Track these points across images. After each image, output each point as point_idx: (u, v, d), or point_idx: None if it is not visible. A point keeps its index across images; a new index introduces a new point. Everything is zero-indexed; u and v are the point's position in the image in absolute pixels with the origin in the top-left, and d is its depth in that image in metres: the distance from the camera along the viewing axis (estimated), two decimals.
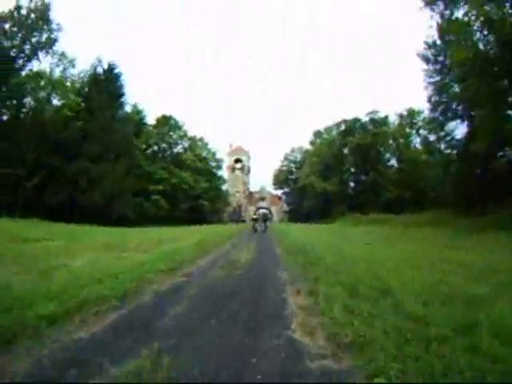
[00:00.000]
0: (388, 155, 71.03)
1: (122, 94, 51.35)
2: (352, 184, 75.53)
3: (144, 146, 64.16)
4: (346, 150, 72.53)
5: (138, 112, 63.90)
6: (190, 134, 77.32)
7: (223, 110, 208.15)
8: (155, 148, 69.03)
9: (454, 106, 38.37)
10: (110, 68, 49.63)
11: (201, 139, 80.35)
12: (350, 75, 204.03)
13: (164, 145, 70.96)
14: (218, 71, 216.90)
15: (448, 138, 41.76)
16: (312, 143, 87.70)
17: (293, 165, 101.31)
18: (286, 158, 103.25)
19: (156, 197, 57.75)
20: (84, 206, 40.01)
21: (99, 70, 49.05)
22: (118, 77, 50.46)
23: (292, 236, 23.41)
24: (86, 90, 46.81)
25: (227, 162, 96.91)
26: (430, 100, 41.03)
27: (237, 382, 3.55)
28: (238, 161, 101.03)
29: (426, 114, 51.83)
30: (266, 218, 36.30)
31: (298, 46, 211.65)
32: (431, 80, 40.54)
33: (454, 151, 41.45)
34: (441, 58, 38.41)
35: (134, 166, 53.16)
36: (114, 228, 31.05)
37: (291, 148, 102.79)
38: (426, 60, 40.63)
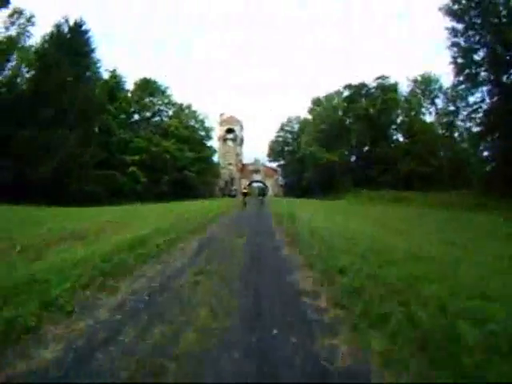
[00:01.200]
0: (397, 125, 65.26)
1: (87, 52, 45.17)
2: (356, 156, 69.63)
3: (120, 113, 56.16)
4: (350, 119, 67.05)
5: (114, 76, 57.19)
6: (177, 101, 69.54)
7: (214, 79, 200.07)
8: (135, 115, 62.32)
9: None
10: (77, 25, 43.87)
11: (188, 106, 72.26)
12: (353, 40, 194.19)
13: (146, 112, 63.15)
14: (209, 35, 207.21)
15: (471, 109, 40.25)
16: (311, 111, 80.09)
17: (289, 135, 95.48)
18: (282, 129, 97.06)
19: (132, 168, 50.28)
20: (32, 182, 33.11)
21: (65, 28, 43.26)
22: (83, 33, 44.41)
23: (304, 224, 14.82)
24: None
25: (218, 132, 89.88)
26: (454, 62, 38.72)
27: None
28: (229, 131, 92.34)
29: (444, 82, 50.16)
30: (262, 193, 36.94)
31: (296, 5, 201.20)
32: (456, 40, 38.16)
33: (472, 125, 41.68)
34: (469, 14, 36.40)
35: (100, 132, 48.69)
36: (46, 208, 23.14)
37: (288, 117, 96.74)
38: (452, 14, 37.64)
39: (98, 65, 50.84)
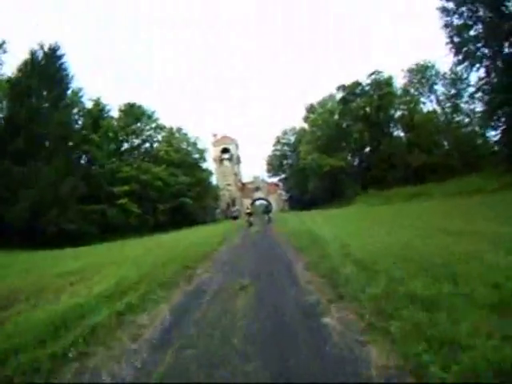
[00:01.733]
0: (396, 120, 62.04)
1: (62, 77, 41.52)
2: (358, 159, 66.48)
3: (105, 142, 51.17)
4: (347, 121, 64.28)
5: (97, 104, 53.06)
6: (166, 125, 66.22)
7: (202, 100, 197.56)
8: (124, 144, 58.34)
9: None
10: (51, 50, 40.66)
11: (178, 130, 69.14)
12: (340, 41, 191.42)
13: (133, 139, 59.47)
14: (194, 56, 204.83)
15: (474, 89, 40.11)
16: (306, 120, 77.19)
17: (287, 148, 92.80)
18: (278, 142, 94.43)
19: (122, 200, 46.28)
20: (6, 223, 30.06)
21: (39, 54, 40.03)
22: (58, 58, 41.08)
23: (335, 246, 10.83)
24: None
25: (213, 153, 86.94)
26: (451, 41, 38.41)
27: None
28: (225, 151, 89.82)
29: (440, 67, 54.73)
30: (266, 210, 35.19)
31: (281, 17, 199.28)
32: (448, 19, 37.92)
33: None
34: None
35: (85, 164, 47.57)
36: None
37: (283, 130, 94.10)
38: None
39: (80, 94, 49.45)
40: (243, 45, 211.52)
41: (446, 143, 55.00)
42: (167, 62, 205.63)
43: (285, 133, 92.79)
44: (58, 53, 41.27)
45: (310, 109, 75.72)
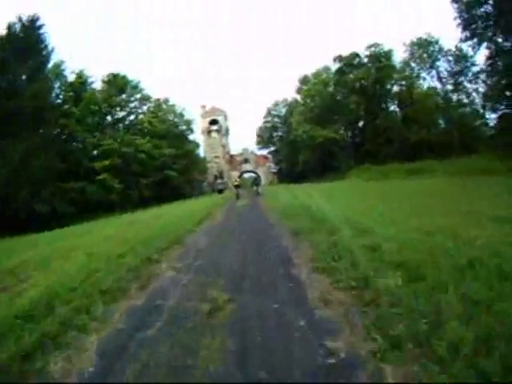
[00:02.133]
0: (394, 95, 59.60)
1: (41, 49, 39.98)
2: (352, 132, 64.10)
3: (86, 116, 48.70)
4: (342, 93, 61.24)
5: (79, 76, 50.35)
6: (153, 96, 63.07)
7: (189, 69, 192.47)
8: (108, 117, 55.22)
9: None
10: (30, 21, 39.32)
11: (165, 101, 65.72)
12: (338, 18, 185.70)
13: (117, 111, 56.58)
14: (182, 22, 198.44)
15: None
16: (299, 91, 73.92)
17: (278, 120, 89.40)
18: (268, 113, 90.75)
19: (102, 176, 43.72)
20: None
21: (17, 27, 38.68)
22: (36, 29, 39.65)
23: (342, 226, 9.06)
24: None
25: (201, 125, 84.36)
26: (460, 15, 36.85)
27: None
28: (213, 122, 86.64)
29: (444, 43, 51.05)
30: (255, 183, 35.43)
31: None
32: None
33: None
34: None
35: (64, 140, 44.50)
36: None
37: (274, 101, 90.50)
38: None
39: (63, 67, 47.75)
40: (235, 10, 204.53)
41: (443, 121, 53.62)
42: (154, 29, 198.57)
43: (276, 104, 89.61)
44: (37, 24, 39.64)
45: (304, 80, 72.57)
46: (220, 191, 35.52)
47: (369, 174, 40.99)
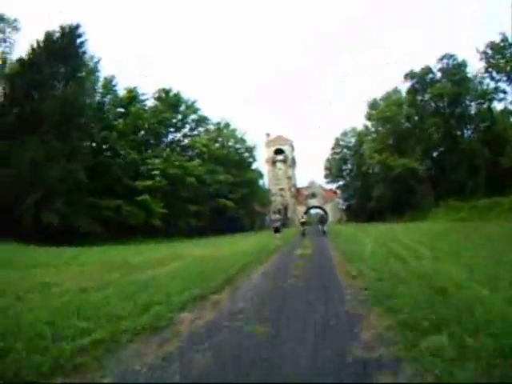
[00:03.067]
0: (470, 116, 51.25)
1: (77, 53, 37.86)
2: (431, 162, 55.16)
3: (131, 131, 45.15)
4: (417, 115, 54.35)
5: (130, 91, 47.31)
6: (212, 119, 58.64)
7: (253, 92, 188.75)
8: (157, 135, 50.43)
9: None
10: (70, 28, 37.19)
11: (226, 125, 60.72)
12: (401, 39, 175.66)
13: (170, 130, 52.40)
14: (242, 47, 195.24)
15: None
16: (369, 117, 66.61)
17: (347, 151, 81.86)
18: (337, 144, 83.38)
19: (143, 196, 39.21)
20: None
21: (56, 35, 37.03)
22: (76, 36, 37.60)
23: None
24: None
25: (266, 155, 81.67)
26: None
27: None
28: (278, 152, 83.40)
29: None
30: (322, 220, 33.64)
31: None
32: None
33: None
34: None
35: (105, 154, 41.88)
36: None
37: (342, 131, 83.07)
38: None
39: (114, 82, 46.24)
40: (300, 35, 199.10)
41: None
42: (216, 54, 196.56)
43: (345, 134, 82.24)
44: (77, 32, 37.86)
45: (373, 104, 65.64)
46: (276, 230, 24.71)
47: (458, 213, 34.69)
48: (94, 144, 41.29)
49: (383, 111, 56.03)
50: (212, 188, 47.02)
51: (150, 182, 39.91)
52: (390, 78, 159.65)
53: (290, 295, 8.04)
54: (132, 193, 39.09)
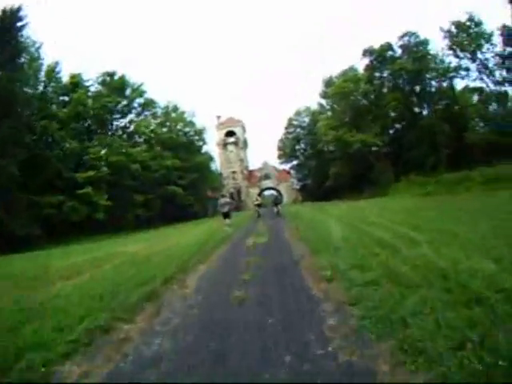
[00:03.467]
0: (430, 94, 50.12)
1: (14, 37, 34.15)
2: (390, 138, 53.31)
3: (74, 120, 41.21)
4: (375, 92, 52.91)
5: (73, 77, 43.42)
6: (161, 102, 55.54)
7: (202, 74, 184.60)
8: (101, 122, 45.99)
9: None
10: (11, 11, 33.50)
11: (174, 108, 57.52)
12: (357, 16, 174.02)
13: (116, 116, 48.50)
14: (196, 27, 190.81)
15: None
16: (324, 95, 65.32)
17: (301, 130, 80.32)
18: (290, 124, 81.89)
19: (85, 189, 35.20)
20: None
21: None
22: (16, 21, 33.97)
23: None
24: None
25: (217, 137, 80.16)
26: None
27: None
28: (230, 134, 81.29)
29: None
30: (276, 202, 33.89)
31: None
32: None
33: None
34: None
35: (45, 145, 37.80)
36: None
37: (296, 110, 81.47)
38: None
39: (58, 69, 42.35)
40: (251, 14, 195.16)
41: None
42: (165, 34, 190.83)
43: (298, 113, 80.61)
44: (18, 15, 34.35)
45: (329, 82, 63.85)
46: (225, 215, 20.87)
47: (423, 188, 32.78)
48: (34, 137, 36.90)
49: (340, 87, 53.70)
50: (159, 174, 44.16)
51: (91, 173, 36.30)
52: (347, 57, 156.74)
53: (234, 325, 5.01)
54: (74, 186, 35.43)
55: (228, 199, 24.49)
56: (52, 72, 41.33)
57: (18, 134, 31.78)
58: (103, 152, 39.10)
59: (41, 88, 40.71)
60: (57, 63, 42.04)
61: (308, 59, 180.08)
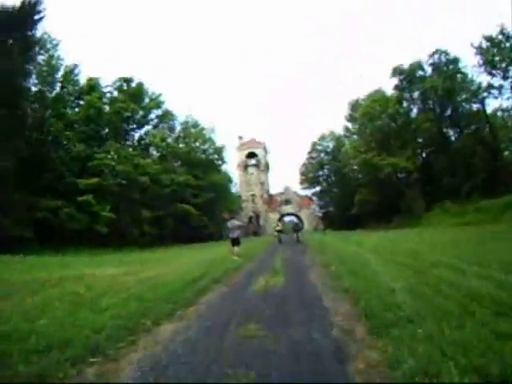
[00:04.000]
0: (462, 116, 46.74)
1: (32, 36, 32.94)
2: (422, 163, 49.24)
3: (83, 123, 38.79)
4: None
5: (90, 79, 41.42)
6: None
7: (227, 98, 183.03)
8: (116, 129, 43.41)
9: None
10: (30, 4, 31.49)
11: (194, 125, 54.49)
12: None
13: (132, 125, 46.27)
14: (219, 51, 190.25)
15: None
16: (350, 118, 63.35)
17: (324, 156, 77.37)
18: (314, 149, 78.73)
19: (86, 197, 32.48)
20: None
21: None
22: (34, 13, 32.03)
23: None
24: None
25: (238, 159, 77.69)
26: None
27: None
28: (251, 156, 78.64)
29: None
30: (296, 228, 33.06)
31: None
32: None
33: None
34: None
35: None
36: None
37: (320, 135, 78.49)
38: None
39: (76, 71, 41.18)
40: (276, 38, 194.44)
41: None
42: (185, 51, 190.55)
43: (322, 138, 77.67)
44: (37, 8, 32.50)
45: (355, 105, 61.55)
46: (234, 242, 16.96)
47: (461, 217, 29.83)
48: (41, 136, 35.22)
49: (368, 107, 50.82)
50: (170, 190, 40.98)
51: (94, 180, 33.64)
52: (372, 78, 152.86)
53: None
54: (75, 192, 32.86)
55: (238, 222, 19.11)
56: (70, 73, 40.04)
57: (18, 128, 29.99)
58: (110, 157, 36.44)
59: (57, 89, 39.15)
60: (76, 65, 40.79)
61: (334, 81, 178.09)
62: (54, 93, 38.23)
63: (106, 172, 35.38)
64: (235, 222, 18.71)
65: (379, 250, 15.13)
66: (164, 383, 3.25)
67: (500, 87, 40.86)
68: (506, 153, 43.79)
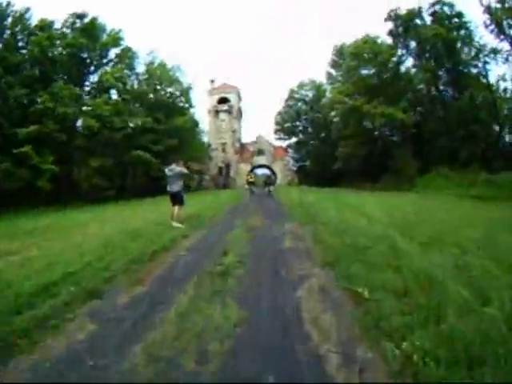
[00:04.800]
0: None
1: None
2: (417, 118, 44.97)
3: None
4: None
5: (41, 21, 36.13)
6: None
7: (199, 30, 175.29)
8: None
9: None
10: None
11: (161, 64, 47.64)
12: None
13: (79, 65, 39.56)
14: None
15: None
16: (335, 64, 58.89)
17: (302, 105, 72.03)
18: (291, 97, 73.11)
19: (24, 149, 27.71)
20: None
21: None
22: None
23: None
24: None
25: (208, 104, 72.00)
26: None
27: None
28: (223, 101, 72.69)
29: None
30: (268, 181, 33.01)
31: None
32: None
33: None
34: None
35: None
36: None
37: (299, 82, 72.99)
38: None
39: (27, 16, 36.31)
40: None
41: None
42: None
43: (301, 86, 72.12)
44: None
45: (340, 51, 56.58)
46: (174, 198, 11.80)
47: (460, 188, 26.06)
48: None
49: (359, 47, 45.59)
50: (123, 135, 35.57)
51: (34, 127, 28.79)
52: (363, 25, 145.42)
53: None
54: (15, 145, 28.19)
55: (180, 167, 12.72)
56: (20, 18, 35.38)
57: None
58: (50, 102, 30.83)
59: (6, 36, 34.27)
60: (27, 8, 35.95)
61: (317, 25, 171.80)
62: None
63: (48, 117, 30.21)
64: (176, 168, 12.93)
65: (408, 228, 9.01)
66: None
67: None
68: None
